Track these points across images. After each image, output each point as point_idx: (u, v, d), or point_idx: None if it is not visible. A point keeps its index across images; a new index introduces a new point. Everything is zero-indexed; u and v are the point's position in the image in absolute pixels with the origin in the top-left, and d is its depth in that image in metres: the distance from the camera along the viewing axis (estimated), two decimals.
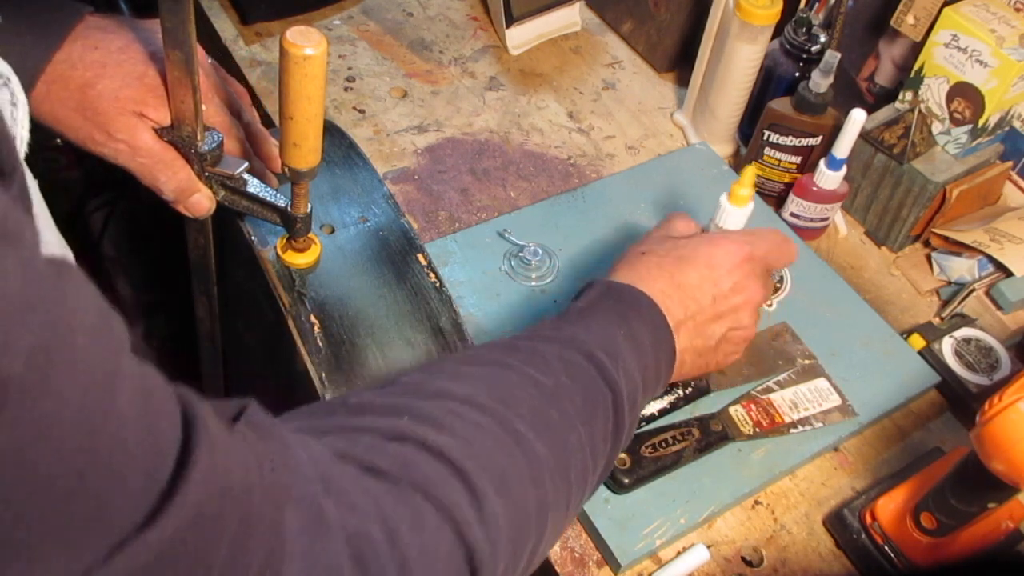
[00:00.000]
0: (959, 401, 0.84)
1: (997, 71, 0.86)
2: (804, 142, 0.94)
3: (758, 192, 0.99)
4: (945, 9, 0.89)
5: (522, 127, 1.05)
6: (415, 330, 0.66)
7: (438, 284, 0.68)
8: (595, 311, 0.61)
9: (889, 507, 0.72)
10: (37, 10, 0.62)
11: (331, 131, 0.77)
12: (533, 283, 0.86)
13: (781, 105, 0.94)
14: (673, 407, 0.78)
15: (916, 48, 0.93)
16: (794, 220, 0.96)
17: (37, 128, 0.63)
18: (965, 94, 0.90)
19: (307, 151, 0.58)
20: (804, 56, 0.97)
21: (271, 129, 0.72)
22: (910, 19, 0.93)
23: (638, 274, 0.65)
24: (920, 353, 0.86)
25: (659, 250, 0.67)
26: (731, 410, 0.78)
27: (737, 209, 0.72)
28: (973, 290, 0.91)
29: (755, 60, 0.98)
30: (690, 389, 0.79)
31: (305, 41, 0.51)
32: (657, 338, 0.62)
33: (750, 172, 0.71)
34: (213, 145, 0.63)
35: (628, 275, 0.65)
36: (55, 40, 0.61)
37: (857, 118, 0.86)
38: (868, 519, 0.73)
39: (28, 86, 0.61)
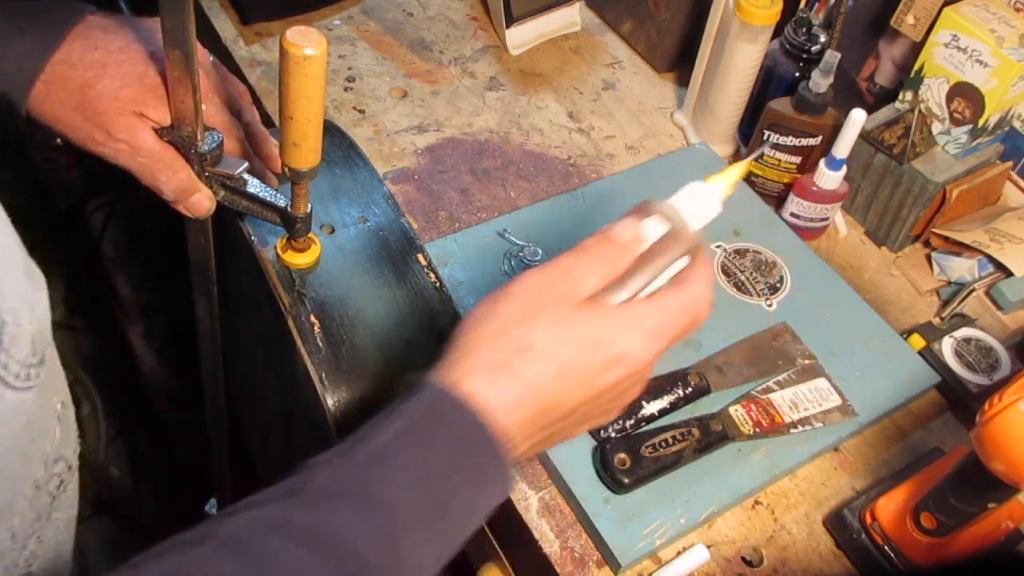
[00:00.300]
0: (959, 401, 0.84)
1: (997, 71, 0.86)
2: (804, 142, 0.94)
3: (759, 192, 0.99)
4: (945, 9, 0.89)
5: (522, 127, 1.05)
6: (415, 330, 0.66)
7: (438, 284, 0.68)
8: (407, 450, 0.45)
9: (889, 507, 0.72)
10: (38, 9, 0.62)
11: (331, 131, 0.77)
12: None
13: (781, 105, 0.94)
14: (673, 407, 0.78)
15: (916, 48, 0.93)
16: (794, 220, 0.96)
17: (37, 128, 0.63)
18: (965, 94, 0.90)
19: (307, 151, 0.58)
20: (804, 56, 0.97)
21: (271, 129, 0.72)
22: (910, 19, 0.93)
23: (503, 393, 0.46)
24: (920, 353, 0.86)
25: (547, 340, 0.48)
26: (731, 410, 0.78)
27: (713, 201, 0.55)
28: (973, 290, 0.91)
29: (755, 60, 0.98)
30: (690, 389, 0.79)
31: (305, 41, 0.51)
32: (481, 486, 0.47)
33: (741, 169, 0.58)
34: (213, 145, 0.63)
35: (492, 384, 0.47)
36: (56, 39, 0.61)
37: (857, 118, 0.86)
38: (868, 519, 0.73)
39: (28, 85, 0.61)
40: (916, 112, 0.93)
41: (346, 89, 1.05)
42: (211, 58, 0.69)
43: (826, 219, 0.96)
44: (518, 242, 0.89)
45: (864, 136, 0.94)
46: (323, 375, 0.63)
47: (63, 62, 0.61)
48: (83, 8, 0.64)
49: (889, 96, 0.99)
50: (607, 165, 1.03)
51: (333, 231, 0.70)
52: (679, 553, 0.72)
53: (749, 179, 1.00)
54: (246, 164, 0.65)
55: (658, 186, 0.97)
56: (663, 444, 0.74)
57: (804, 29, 0.97)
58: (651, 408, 0.77)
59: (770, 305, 0.88)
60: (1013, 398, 0.58)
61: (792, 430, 0.78)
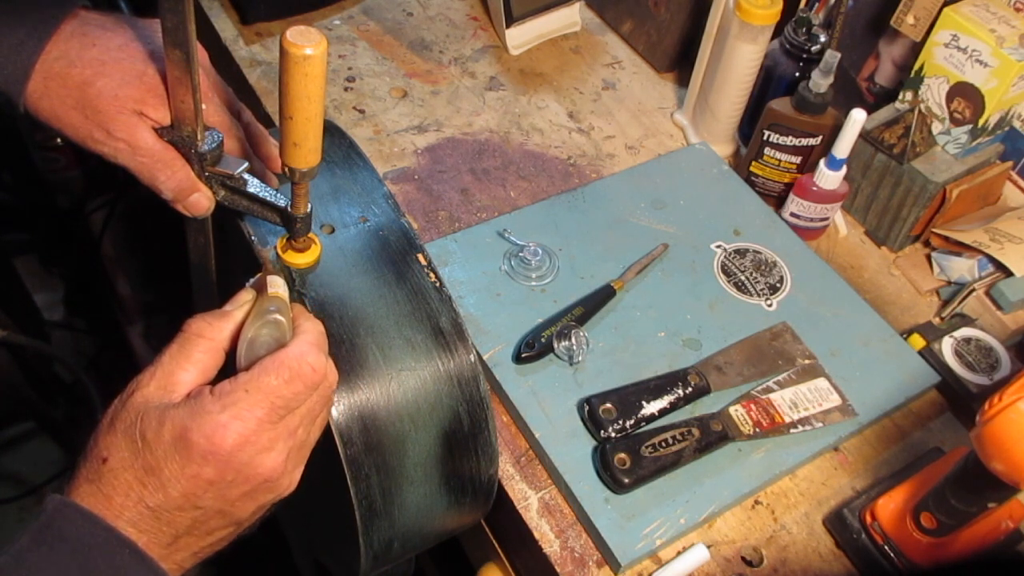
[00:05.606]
0: (959, 401, 0.84)
1: (997, 71, 0.86)
2: (804, 142, 0.94)
3: (759, 192, 0.99)
4: (945, 9, 0.89)
5: (522, 127, 1.05)
6: (415, 330, 0.66)
7: (438, 284, 0.68)
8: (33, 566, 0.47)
9: (889, 507, 0.72)
10: (28, 3, 0.62)
11: (331, 131, 0.77)
12: (533, 283, 0.86)
13: (781, 105, 0.94)
14: (673, 407, 0.78)
15: (916, 48, 0.93)
16: (794, 220, 0.96)
17: (37, 128, 0.63)
18: (965, 94, 0.90)
19: (307, 151, 0.58)
20: (804, 56, 0.97)
21: (271, 129, 0.72)
22: (910, 19, 0.93)
23: (107, 500, 0.49)
24: (920, 353, 0.86)
25: (127, 454, 0.50)
26: (731, 410, 0.78)
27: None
28: (973, 290, 0.91)
29: (755, 60, 0.98)
30: (690, 389, 0.79)
31: (305, 41, 0.51)
32: None
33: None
34: (213, 145, 0.63)
35: (94, 497, 0.50)
36: (47, 30, 0.61)
37: (857, 118, 0.87)
38: (868, 519, 0.73)
39: (23, 78, 0.61)
40: (916, 112, 0.93)
41: (346, 89, 1.05)
42: None
43: (826, 219, 0.96)
44: (518, 242, 0.89)
45: (864, 136, 0.94)
46: None
47: (61, 59, 0.61)
48: (75, 1, 0.64)
49: (889, 96, 0.99)
50: (607, 165, 1.03)
51: (333, 231, 0.70)
52: (679, 553, 0.72)
53: (749, 179, 1.00)
54: (246, 164, 0.65)
55: (658, 186, 0.98)
56: (663, 444, 0.74)
57: (804, 29, 0.97)
58: (651, 408, 0.77)
59: (770, 305, 0.88)
60: (1013, 398, 0.58)
61: (792, 430, 0.78)
